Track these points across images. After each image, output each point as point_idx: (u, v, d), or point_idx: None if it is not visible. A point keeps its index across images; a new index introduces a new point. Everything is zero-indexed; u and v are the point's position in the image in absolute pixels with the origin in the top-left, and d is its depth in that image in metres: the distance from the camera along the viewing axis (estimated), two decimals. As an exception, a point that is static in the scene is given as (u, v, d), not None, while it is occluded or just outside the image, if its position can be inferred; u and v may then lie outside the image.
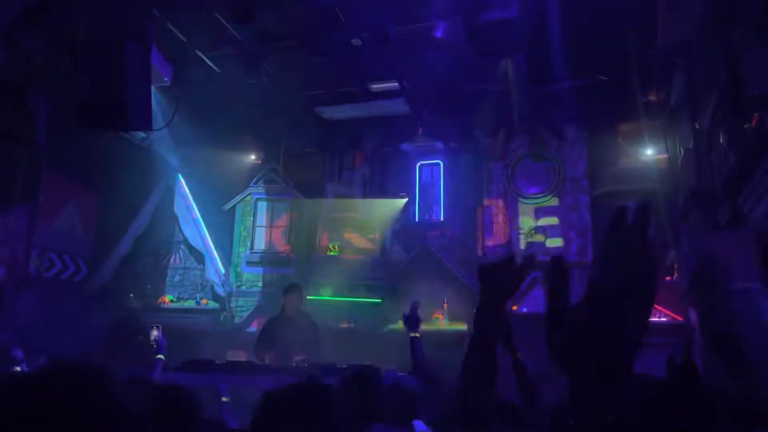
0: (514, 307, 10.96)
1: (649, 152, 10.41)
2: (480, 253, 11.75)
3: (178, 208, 12.46)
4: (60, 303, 9.92)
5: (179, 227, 12.52)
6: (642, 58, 8.35)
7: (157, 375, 4.66)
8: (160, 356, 4.87)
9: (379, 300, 11.51)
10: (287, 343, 6.36)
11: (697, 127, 7.77)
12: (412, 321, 3.61)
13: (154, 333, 5.00)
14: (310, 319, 6.92)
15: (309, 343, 6.48)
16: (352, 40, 9.37)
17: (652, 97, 9.89)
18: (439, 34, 8.84)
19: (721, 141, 6.82)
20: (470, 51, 8.85)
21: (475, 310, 1.73)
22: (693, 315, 7.79)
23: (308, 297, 10.03)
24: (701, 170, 7.76)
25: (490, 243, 11.60)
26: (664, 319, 9.53)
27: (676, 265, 9.73)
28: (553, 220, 11.48)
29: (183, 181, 12.50)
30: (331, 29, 9.19)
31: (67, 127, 7.33)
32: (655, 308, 9.73)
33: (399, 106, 11.23)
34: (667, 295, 9.66)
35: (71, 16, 7.17)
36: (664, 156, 10.04)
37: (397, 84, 10.35)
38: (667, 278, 10.31)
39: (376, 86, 10.40)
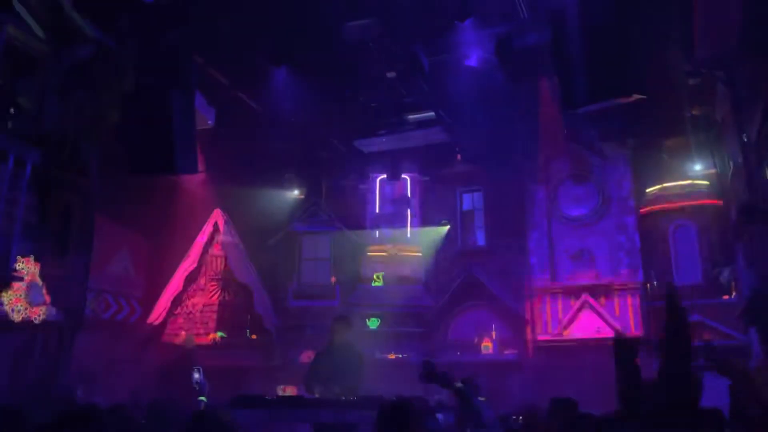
0: (566, 332, 10.71)
1: (697, 168, 10.14)
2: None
3: (224, 246, 12.74)
4: (117, 343, 10.22)
5: (227, 264, 12.78)
6: (683, 72, 8.19)
7: None
8: (202, 398, 4.93)
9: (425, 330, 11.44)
10: (336, 375, 6.34)
11: (746, 140, 7.54)
12: (436, 378, 3.22)
13: (196, 375, 5.07)
14: (356, 350, 6.86)
15: (351, 373, 6.41)
16: (387, 73, 9.54)
17: (696, 112, 9.66)
18: (473, 62, 8.90)
19: (771, 154, 6.61)
20: (505, 76, 8.88)
21: None
22: (753, 334, 7.47)
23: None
24: (753, 184, 7.50)
25: (536, 268, 11.42)
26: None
27: (733, 284, 9.37)
28: (601, 241, 11.24)
29: (229, 219, 12.79)
30: (366, 63, 9.38)
31: (118, 174, 7.67)
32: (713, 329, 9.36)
33: (437, 135, 11.29)
34: (724, 314, 9.29)
35: (120, 68, 7.56)
36: (713, 171, 9.75)
37: (433, 113, 10.43)
38: (725, 297, 9.92)
39: (413, 117, 10.51)
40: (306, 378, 6.41)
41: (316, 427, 5.31)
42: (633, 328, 10.36)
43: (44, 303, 7.31)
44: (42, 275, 7.31)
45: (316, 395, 6.17)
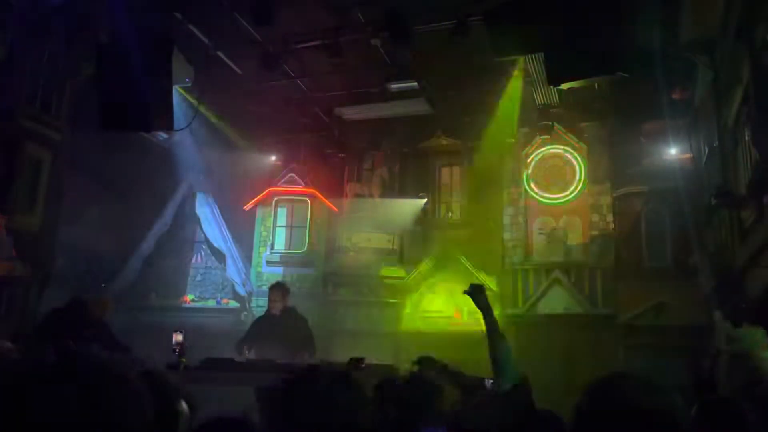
0: (535, 308, 10.86)
1: (673, 151, 10.24)
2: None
3: (199, 208, 12.58)
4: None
5: (201, 227, 12.65)
6: (665, 55, 8.22)
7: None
8: (183, 360, 4.91)
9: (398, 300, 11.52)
10: (276, 341, 6.25)
11: (722, 125, 7.63)
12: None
13: (179, 338, 5.03)
14: (298, 315, 6.78)
15: (303, 339, 6.38)
16: (372, 40, 9.38)
17: (675, 96, 9.72)
18: (456, 33, 8.78)
19: (747, 139, 6.70)
20: (489, 50, 8.79)
21: None
22: (718, 317, 7.65)
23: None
24: (726, 169, 7.62)
25: (510, 244, 11.51)
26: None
27: (700, 267, 9.56)
28: (575, 220, 11.36)
29: (205, 182, 12.62)
30: (350, 30, 9.20)
31: (91, 129, 7.46)
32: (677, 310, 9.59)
33: (418, 106, 11.18)
34: (690, 297, 9.49)
35: (95, 17, 7.29)
36: (688, 155, 9.86)
37: (416, 84, 10.30)
38: (691, 280, 10.13)
39: (396, 86, 10.35)
40: (239, 342, 6.34)
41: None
42: (601, 306, 10.57)
43: (10, 257, 7.15)
44: (9, 228, 7.14)
45: (247, 357, 6.10)
